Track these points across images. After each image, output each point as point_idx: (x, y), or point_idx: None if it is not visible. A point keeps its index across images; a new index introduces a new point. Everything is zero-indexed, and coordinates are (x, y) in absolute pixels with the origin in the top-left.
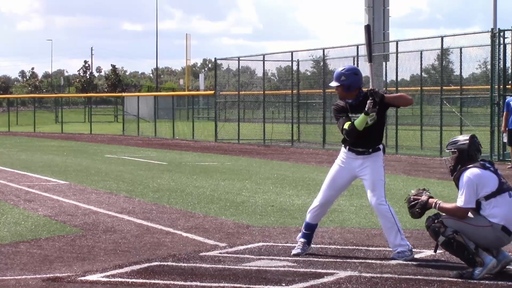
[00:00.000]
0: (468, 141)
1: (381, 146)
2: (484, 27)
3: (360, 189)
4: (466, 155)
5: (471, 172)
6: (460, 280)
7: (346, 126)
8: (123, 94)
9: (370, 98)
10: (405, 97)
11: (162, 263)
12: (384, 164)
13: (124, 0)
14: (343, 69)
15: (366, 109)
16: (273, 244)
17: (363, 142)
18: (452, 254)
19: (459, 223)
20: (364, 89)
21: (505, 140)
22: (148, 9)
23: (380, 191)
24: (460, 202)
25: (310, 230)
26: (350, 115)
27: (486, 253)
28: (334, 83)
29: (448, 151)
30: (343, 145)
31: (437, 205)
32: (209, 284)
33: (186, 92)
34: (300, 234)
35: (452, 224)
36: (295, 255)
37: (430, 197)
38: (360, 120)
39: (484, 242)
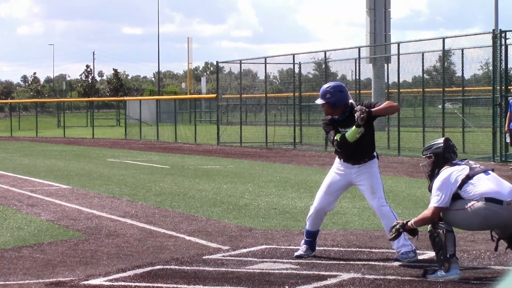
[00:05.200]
0: (442, 145)
1: (375, 154)
2: (484, 28)
3: None
4: (442, 159)
5: (442, 174)
6: (462, 281)
7: (337, 137)
8: (125, 98)
9: (359, 110)
10: (392, 106)
11: (165, 266)
12: (379, 169)
13: (123, 4)
14: (328, 86)
15: (356, 121)
16: (276, 246)
17: (357, 155)
18: (431, 246)
19: (454, 213)
20: (356, 105)
21: (508, 140)
22: (147, 13)
23: (380, 193)
24: (435, 203)
25: (311, 237)
26: (343, 130)
27: (457, 265)
28: (319, 101)
29: (424, 156)
30: (337, 156)
31: (410, 222)
32: (212, 287)
33: (188, 96)
34: (302, 241)
35: (447, 217)
36: (297, 256)
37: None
38: (351, 132)
39: (479, 222)
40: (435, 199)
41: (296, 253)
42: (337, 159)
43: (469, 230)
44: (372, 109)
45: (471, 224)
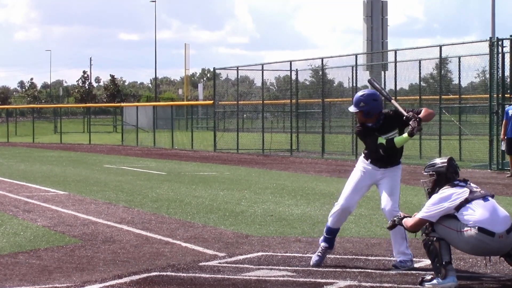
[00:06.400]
0: (446, 164)
1: (400, 160)
2: (481, 35)
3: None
4: (444, 178)
5: (442, 193)
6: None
7: (382, 141)
8: (122, 104)
9: (412, 121)
10: (431, 113)
11: (161, 273)
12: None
13: (120, 10)
14: (362, 94)
15: (411, 131)
16: (273, 253)
17: (385, 159)
18: (426, 255)
19: (446, 230)
20: (390, 111)
21: (503, 148)
22: (144, 19)
23: (396, 198)
24: (421, 214)
25: (331, 234)
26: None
27: (453, 273)
28: (353, 109)
29: (426, 173)
30: (363, 156)
31: (402, 220)
32: None
33: (185, 102)
34: (321, 238)
35: (439, 230)
36: (314, 265)
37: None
38: (402, 139)
39: (468, 248)
40: (425, 211)
41: (312, 262)
42: (362, 159)
43: (458, 249)
44: (421, 117)
45: (461, 248)
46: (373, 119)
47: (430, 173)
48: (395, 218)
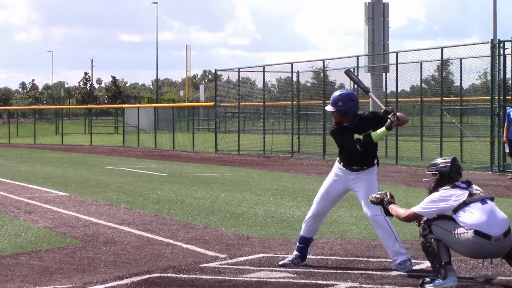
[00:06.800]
0: (449, 164)
1: (375, 161)
2: (482, 37)
3: None
4: (447, 178)
5: (442, 192)
6: None
7: (360, 137)
8: (123, 105)
9: (391, 115)
10: (407, 120)
11: (162, 274)
12: (377, 177)
13: (121, 11)
14: (341, 94)
15: (390, 124)
16: (273, 255)
17: (359, 160)
18: (426, 257)
19: (443, 232)
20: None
21: (507, 150)
22: (145, 20)
23: None
24: (417, 208)
25: (303, 243)
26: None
27: (454, 273)
28: (330, 108)
29: (429, 172)
30: (337, 160)
31: (391, 206)
32: None
33: (186, 104)
34: (295, 248)
35: (437, 232)
36: (281, 265)
37: (391, 202)
38: (380, 134)
39: (465, 251)
40: (422, 206)
41: (280, 262)
42: (337, 164)
43: (447, 255)
44: (398, 114)
45: (458, 250)
46: (349, 119)
47: (433, 172)
48: (384, 199)
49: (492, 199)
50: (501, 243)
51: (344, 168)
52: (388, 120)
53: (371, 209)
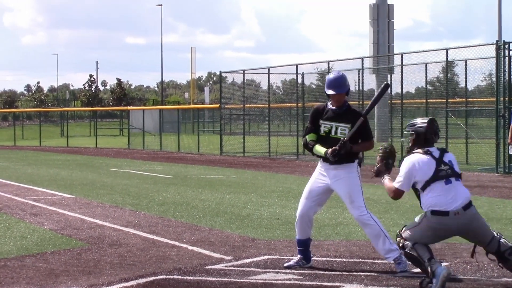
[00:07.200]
0: (426, 124)
1: (356, 160)
2: (487, 39)
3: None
4: (423, 138)
5: (411, 157)
6: None
7: (308, 137)
8: (129, 107)
9: (337, 146)
10: (369, 146)
11: (167, 276)
12: (359, 175)
13: (126, 13)
14: (342, 75)
15: (328, 153)
16: (279, 257)
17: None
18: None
19: (411, 232)
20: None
21: (511, 152)
22: (150, 22)
23: (359, 201)
24: (396, 183)
25: (302, 246)
26: (328, 123)
27: (438, 263)
28: (339, 90)
29: (406, 132)
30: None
31: (383, 178)
32: None
33: (191, 106)
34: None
35: (408, 236)
36: (286, 267)
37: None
38: (318, 151)
39: (434, 235)
40: (398, 182)
41: (285, 264)
42: (319, 161)
43: (432, 243)
44: (353, 147)
45: (428, 238)
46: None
47: (410, 132)
48: (383, 172)
49: (458, 177)
50: (461, 217)
51: (323, 163)
52: (334, 147)
53: (355, 210)
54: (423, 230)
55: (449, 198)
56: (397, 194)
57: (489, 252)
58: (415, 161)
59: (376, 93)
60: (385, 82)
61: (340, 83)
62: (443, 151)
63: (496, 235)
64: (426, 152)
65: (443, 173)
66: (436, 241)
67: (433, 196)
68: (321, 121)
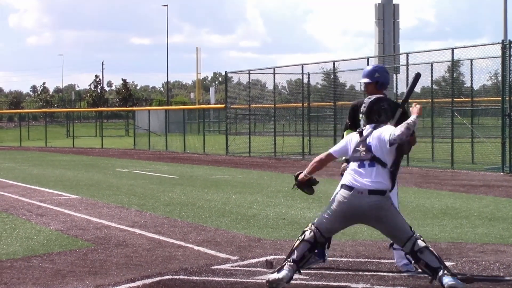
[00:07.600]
0: (367, 105)
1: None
2: (493, 38)
3: None
4: (366, 118)
5: (351, 137)
6: None
7: (345, 133)
8: (134, 108)
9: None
10: (414, 140)
11: (174, 276)
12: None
13: (132, 14)
14: (375, 66)
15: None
16: (285, 257)
17: None
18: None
19: (326, 207)
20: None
21: None
22: (156, 23)
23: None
24: (331, 149)
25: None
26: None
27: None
28: (366, 80)
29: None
30: None
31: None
32: None
33: (197, 106)
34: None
35: (320, 214)
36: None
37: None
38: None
39: (341, 211)
40: (334, 149)
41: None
42: None
43: (340, 225)
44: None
45: (336, 216)
46: (382, 92)
47: (361, 111)
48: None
49: (372, 161)
50: (363, 197)
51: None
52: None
53: None
54: (332, 204)
55: (359, 179)
56: (328, 157)
57: (405, 252)
58: (349, 137)
59: (409, 84)
60: (417, 72)
61: (367, 72)
62: (376, 126)
63: (415, 235)
64: (360, 132)
65: (356, 155)
66: (344, 223)
67: (347, 173)
68: (360, 115)
